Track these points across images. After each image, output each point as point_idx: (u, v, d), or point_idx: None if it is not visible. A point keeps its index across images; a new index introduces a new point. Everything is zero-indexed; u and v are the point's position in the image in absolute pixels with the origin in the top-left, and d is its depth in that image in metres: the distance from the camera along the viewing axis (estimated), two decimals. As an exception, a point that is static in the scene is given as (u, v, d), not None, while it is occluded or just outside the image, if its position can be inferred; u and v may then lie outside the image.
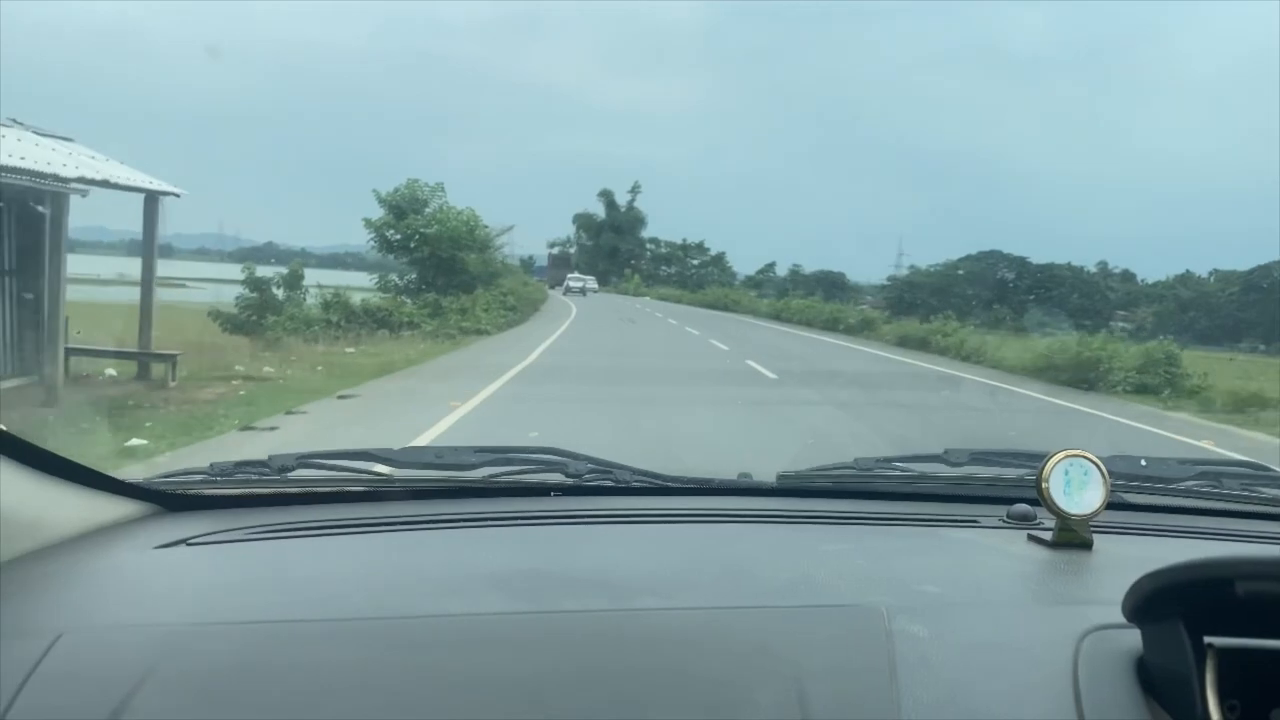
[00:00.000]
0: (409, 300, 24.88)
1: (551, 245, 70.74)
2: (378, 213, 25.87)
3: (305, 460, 1.45)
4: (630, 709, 0.85)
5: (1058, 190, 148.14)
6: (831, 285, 60.22)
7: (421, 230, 25.59)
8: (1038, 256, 51.13)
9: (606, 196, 73.85)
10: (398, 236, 25.84)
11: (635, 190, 72.40)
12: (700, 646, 0.95)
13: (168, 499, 1.35)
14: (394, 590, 1.09)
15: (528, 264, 48.51)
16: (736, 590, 1.14)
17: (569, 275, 41.13)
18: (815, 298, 47.71)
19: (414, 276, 26.71)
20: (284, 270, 20.43)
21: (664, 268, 74.95)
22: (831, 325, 35.53)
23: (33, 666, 0.84)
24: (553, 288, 43.75)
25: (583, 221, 73.97)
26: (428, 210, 26.21)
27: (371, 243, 26.49)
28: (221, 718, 0.82)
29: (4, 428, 1.13)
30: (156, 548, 1.20)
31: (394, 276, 27.33)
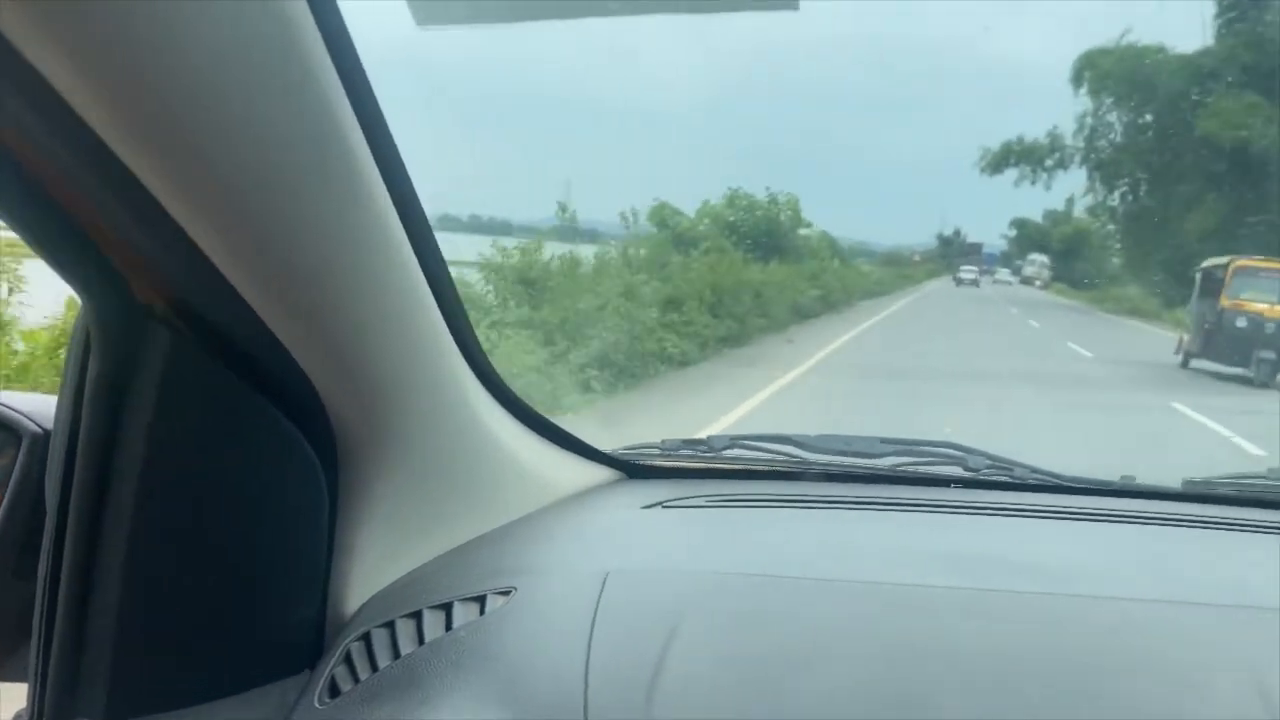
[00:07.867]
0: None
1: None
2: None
3: (736, 441, 1.64)
4: (1096, 692, 0.87)
5: None
6: None
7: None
8: None
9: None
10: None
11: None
12: (1151, 634, 0.98)
13: (630, 468, 1.56)
14: (853, 559, 1.22)
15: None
16: (1169, 586, 1.14)
17: (963, 266, 35.68)
18: None
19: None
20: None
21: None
22: None
23: (597, 598, 0.99)
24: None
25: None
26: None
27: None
28: (749, 654, 0.93)
29: (526, 403, 1.35)
30: (642, 508, 1.38)
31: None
